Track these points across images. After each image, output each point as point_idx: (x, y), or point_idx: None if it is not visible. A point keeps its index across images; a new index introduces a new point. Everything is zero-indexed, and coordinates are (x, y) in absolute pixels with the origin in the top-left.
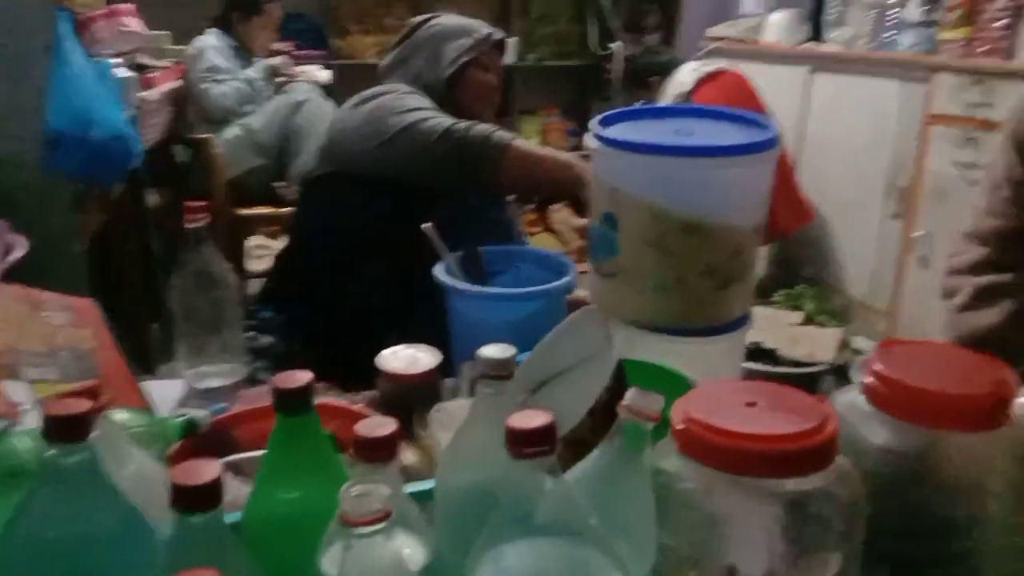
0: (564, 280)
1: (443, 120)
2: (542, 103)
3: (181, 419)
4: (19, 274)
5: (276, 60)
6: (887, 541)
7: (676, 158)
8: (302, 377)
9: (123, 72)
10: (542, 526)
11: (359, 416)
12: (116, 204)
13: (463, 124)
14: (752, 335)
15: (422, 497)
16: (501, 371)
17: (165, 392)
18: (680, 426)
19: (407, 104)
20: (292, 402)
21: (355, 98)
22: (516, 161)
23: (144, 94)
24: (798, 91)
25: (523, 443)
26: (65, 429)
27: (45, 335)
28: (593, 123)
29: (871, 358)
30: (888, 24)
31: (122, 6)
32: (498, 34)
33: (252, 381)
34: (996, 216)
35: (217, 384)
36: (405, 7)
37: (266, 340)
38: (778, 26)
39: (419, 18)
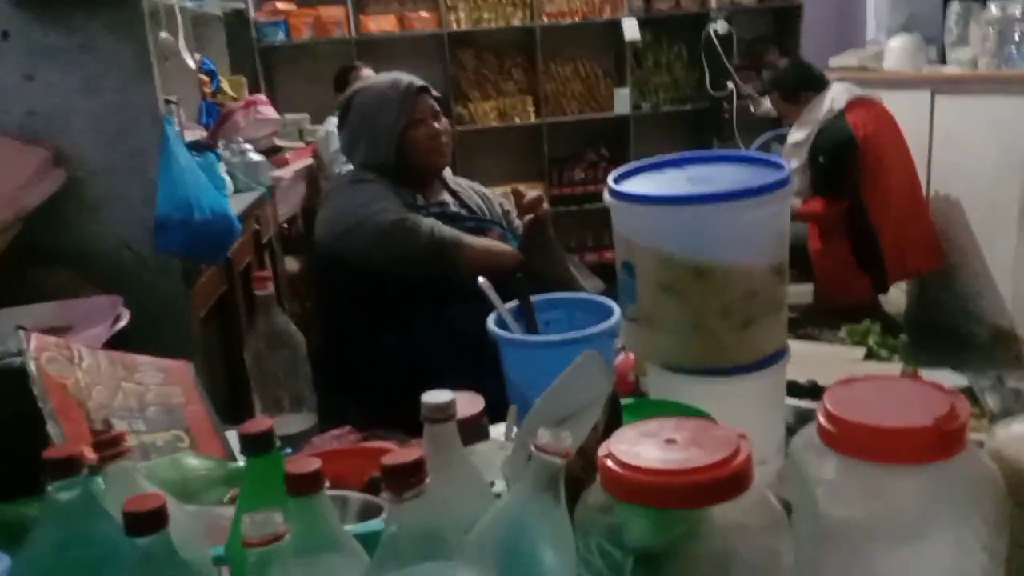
0: (609, 323)
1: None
2: (662, 147)
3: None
4: (129, 341)
5: None
6: None
7: (679, 206)
8: (263, 423)
9: (255, 156)
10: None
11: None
12: (242, 274)
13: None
14: (808, 372)
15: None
16: (441, 415)
17: None
18: (603, 462)
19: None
20: (256, 443)
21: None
22: (471, 251)
23: (278, 173)
24: (921, 116)
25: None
26: (59, 467)
27: (137, 393)
28: (609, 178)
29: (825, 395)
30: (1012, 40)
31: (258, 97)
32: (416, 83)
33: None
34: None
35: (290, 432)
36: (521, 72)
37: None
38: (898, 51)
39: (345, 95)
